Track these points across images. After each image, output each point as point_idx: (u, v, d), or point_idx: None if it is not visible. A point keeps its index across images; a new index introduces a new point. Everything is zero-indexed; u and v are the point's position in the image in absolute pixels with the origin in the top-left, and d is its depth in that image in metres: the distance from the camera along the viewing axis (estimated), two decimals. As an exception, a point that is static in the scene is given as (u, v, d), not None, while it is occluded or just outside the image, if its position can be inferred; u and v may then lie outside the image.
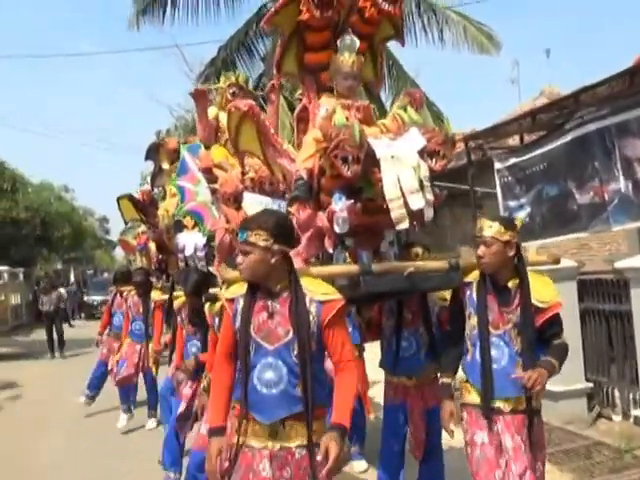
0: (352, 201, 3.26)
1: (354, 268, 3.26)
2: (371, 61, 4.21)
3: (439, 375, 3.46)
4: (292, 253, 3.51)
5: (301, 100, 4.49)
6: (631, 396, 6.29)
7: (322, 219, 3.41)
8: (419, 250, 4.11)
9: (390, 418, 4.31)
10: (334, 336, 2.69)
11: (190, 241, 7.62)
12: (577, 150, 6.63)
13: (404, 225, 3.16)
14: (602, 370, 6.71)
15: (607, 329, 6.62)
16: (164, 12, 14.55)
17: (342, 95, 3.83)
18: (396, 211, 3.12)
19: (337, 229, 3.27)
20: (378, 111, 6.56)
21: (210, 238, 7.48)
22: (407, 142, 3.26)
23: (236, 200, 4.98)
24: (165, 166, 8.76)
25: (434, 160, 3.24)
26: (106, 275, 36.95)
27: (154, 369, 7.40)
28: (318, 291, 2.72)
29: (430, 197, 3.19)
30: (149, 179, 10.06)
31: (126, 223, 10.17)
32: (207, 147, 6.34)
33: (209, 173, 6.03)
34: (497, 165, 7.89)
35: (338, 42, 3.86)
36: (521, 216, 3.13)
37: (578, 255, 11.29)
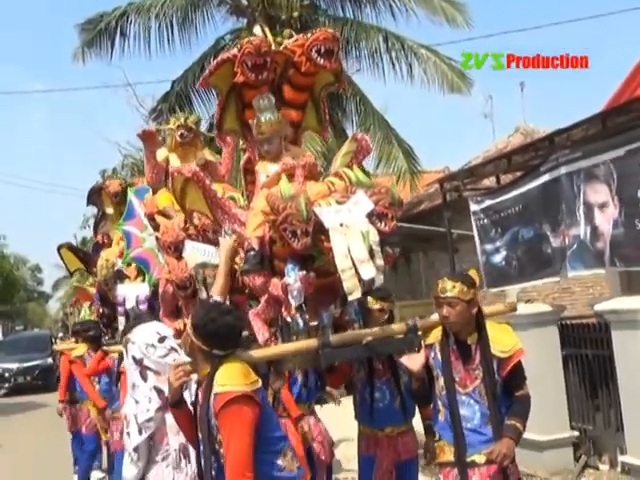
0: (304, 272, 3.43)
1: (311, 343, 3.41)
2: (314, 110, 4.40)
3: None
4: (251, 314, 3.75)
5: (244, 150, 4.67)
6: (616, 444, 6.43)
7: (277, 288, 3.56)
8: (376, 300, 4.24)
9: (365, 470, 4.45)
10: (223, 432, 2.83)
11: (131, 292, 7.70)
12: (551, 193, 6.91)
13: (356, 295, 3.30)
14: (587, 417, 6.87)
15: (590, 375, 6.79)
16: (112, 44, 14.72)
17: (270, 159, 4.05)
18: (348, 281, 3.25)
19: (292, 301, 3.43)
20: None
21: (155, 288, 7.65)
22: (355, 206, 3.41)
23: (177, 249, 5.21)
24: (109, 211, 8.86)
25: (383, 222, 3.40)
26: (37, 331, 34.93)
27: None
28: (220, 382, 2.87)
29: (380, 262, 3.33)
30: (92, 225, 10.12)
31: (71, 274, 10.20)
32: (155, 191, 6.46)
33: (153, 220, 6.21)
34: (473, 207, 8.17)
35: (253, 102, 4.05)
36: (473, 270, 3.46)
37: (560, 300, 11.67)
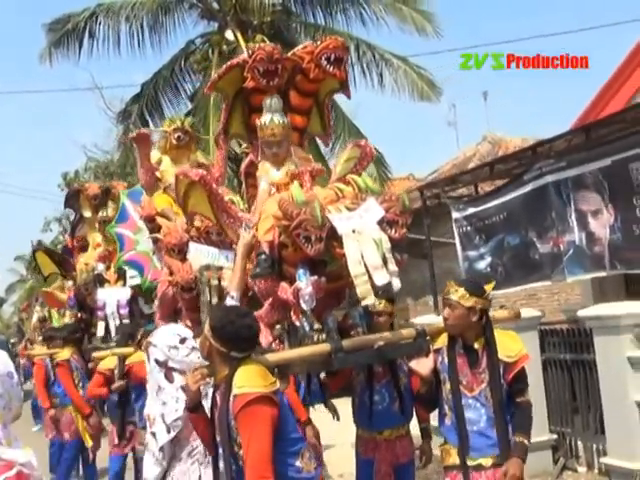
0: (316, 277, 3.49)
1: (325, 348, 3.46)
2: (318, 115, 4.48)
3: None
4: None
5: (247, 154, 4.74)
6: (594, 447, 6.63)
7: (286, 291, 3.61)
8: (381, 302, 4.37)
9: (363, 473, 4.53)
10: (243, 433, 2.82)
11: (111, 297, 7.65)
12: (536, 201, 7.12)
13: (370, 300, 3.38)
14: (565, 421, 7.03)
15: (569, 379, 6.96)
16: (80, 45, 14.40)
17: (276, 162, 4.10)
18: (361, 287, 3.32)
19: (304, 306, 3.48)
20: (315, 156, 6.92)
21: (139, 292, 7.58)
22: (366, 213, 3.48)
23: (181, 251, 5.21)
24: (87, 214, 8.79)
25: (394, 229, 3.48)
26: None
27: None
28: (239, 384, 2.87)
29: (394, 268, 3.40)
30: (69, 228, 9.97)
31: (45, 279, 10.00)
32: (149, 193, 6.49)
33: (152, 221, 6.20)
34: (455, 214, 8.33)
35: (263, 102, 4.10)
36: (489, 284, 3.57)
37: (527, 306, 11.95)
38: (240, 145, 10.67)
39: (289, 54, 4.20)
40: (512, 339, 3.63)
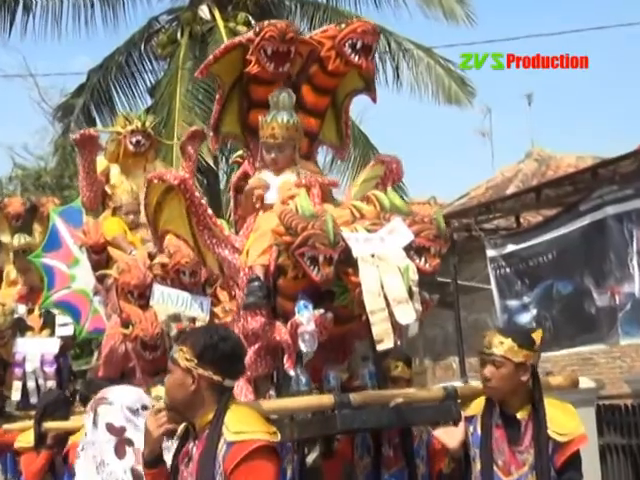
0: (322, 311, 3.51)
1: (326, 400, 3.47)
2: (334, 120, 4.52)
3: None
4: None
5: (239, 163, 4.80)
6: None
7: (280, 331, 3.63)
8: (390, 363, 4.36)
9: None
10: None
11: (35, 349, 7.50)
12: (595, 238, 7.16)
13: (388, 344, 3.38)
14: None
15: (634, 470, 6.95)
16: (12, 21, 14.50)
17: (275, 171, 4.13)
18: (379, 326, 3.34)
19: (303, 347, 3.51)
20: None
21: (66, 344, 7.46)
22: (390, 236, 3.52)
23: (142, 295, 5.17)
24: (4, 239, 8.66)
25: (423, 258, 3.50)
26: None
27: None
28: (235, 429, 2.81)
29: (419, 308, 3.43)
30: None
31: None
32: (92, 213, 6.46)
33: (99, 252, 6.09)
34: (490, 252, 8.37)
35: (270, 97, 4.14)
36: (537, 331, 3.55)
37: (580, 374, 11.91)
38: (210, 149, 10.74)
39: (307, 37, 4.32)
40: (567, 412, 3.58)
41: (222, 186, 14.39)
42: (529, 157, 15.76)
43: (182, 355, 2.89)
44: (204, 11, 13.98)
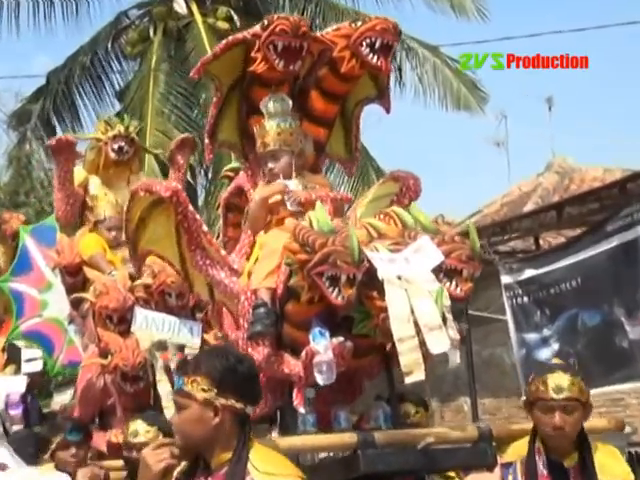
0: (342, 339, 3.51)
1: (349, 438, 3.49)
2: (342, 131, 4.56)
3: None
4: None
5: (230, 177, 4.92)
6: None
7: (289, 363, 3.66)
8: (410, 408, 4.47)
9: None
10: None
11: (-2, 389, 7.53)
12: (625, 262, 7.16)
13: (418, 376, 3.41)
14: None
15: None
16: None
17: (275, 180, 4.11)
18: (408, 356, 3.37)
19: (320, 379, 3.51)
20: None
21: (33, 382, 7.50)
22: (415, 256, 3.51)
23: (122, 320, 5.19)
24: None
25: (454, 282, 3.52)
26: None
27: None
28: (265, 469, 2.80)
29: (455, 336, 3.48)
30: None
31: None
32: (68, 230, 6.52)
33: (74, 274, 6.14)
34: (505, 278, 8.35)
35: (261, 104, 4.16)
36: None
37: (608, 414, 11.96)
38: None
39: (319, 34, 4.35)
40: (614, 458, 3.64)
41: (200, 202, 14.44)
42: (549, 169, 15.56)
43: (197, 387, 2.87)
44: (180, 5, 14.01)
